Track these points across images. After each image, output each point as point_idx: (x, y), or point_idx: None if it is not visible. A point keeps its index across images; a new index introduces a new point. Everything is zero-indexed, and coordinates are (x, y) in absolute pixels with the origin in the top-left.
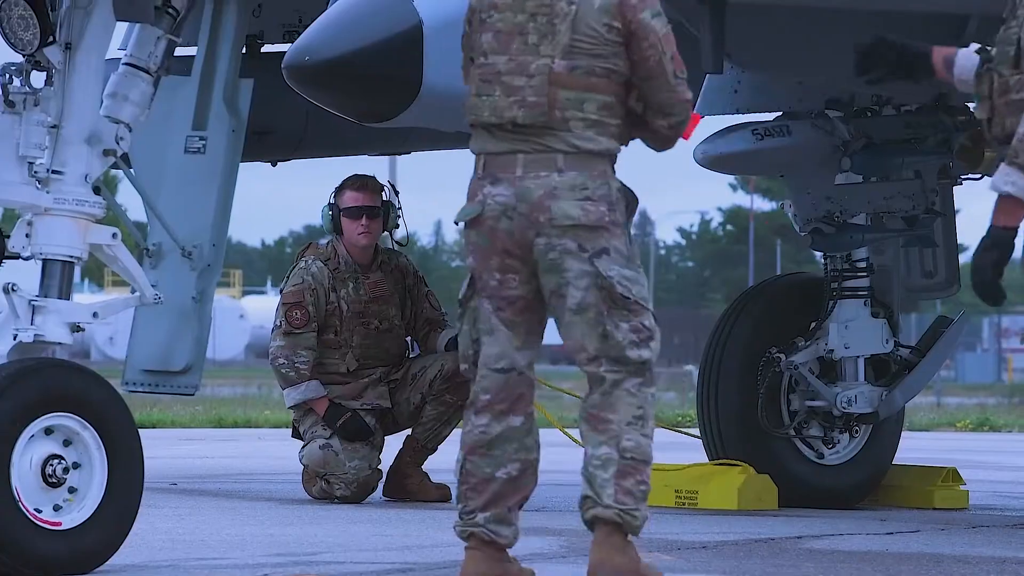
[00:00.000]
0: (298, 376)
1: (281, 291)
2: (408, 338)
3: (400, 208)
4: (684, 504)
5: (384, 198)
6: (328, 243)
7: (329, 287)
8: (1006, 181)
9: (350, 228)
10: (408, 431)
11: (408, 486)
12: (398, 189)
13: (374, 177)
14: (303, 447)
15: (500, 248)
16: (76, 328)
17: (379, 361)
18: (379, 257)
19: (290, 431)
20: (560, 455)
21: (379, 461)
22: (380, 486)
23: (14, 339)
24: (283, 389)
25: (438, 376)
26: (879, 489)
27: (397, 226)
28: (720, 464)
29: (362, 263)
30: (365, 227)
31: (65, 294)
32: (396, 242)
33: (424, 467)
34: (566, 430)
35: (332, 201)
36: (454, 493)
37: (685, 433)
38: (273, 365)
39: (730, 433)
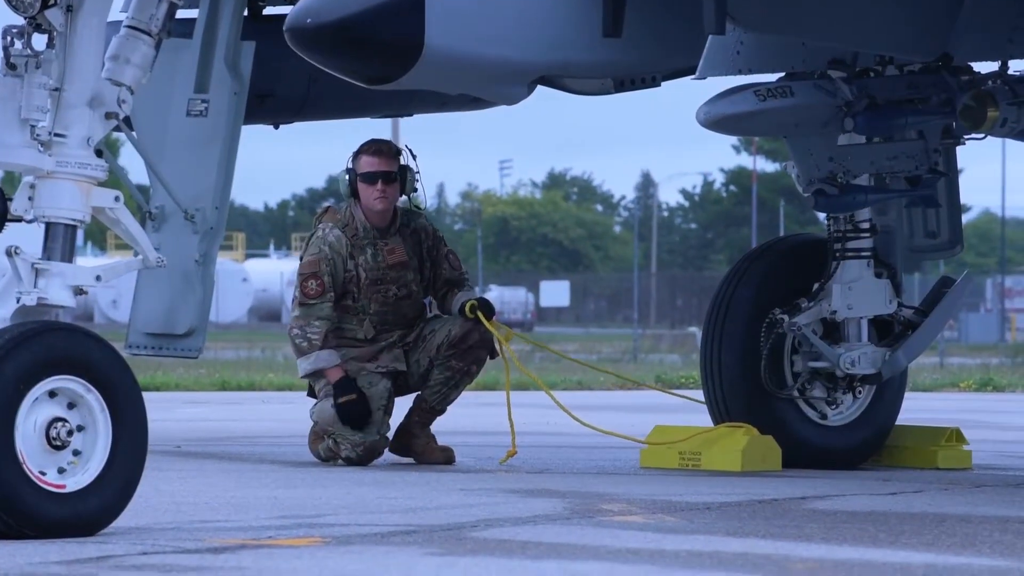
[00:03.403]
0: (310, 346)
1: (300, 259)
2: (427, 299)
3: (418, 172)
4: (688, 465)
5: (401, 162)
6: (346, 208)
7: (347, 255)
8: None
9: (367, 193)
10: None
11: (414, 446)
12: (415, 153)
13: (391, 141)
14: (315, 404)
15: None
16: (79, 291)
17: (396, 326)
18: (397, 221)
19: (293, 393)
20: (555, 417)
21: (388, 427)
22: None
23: (17, 302)
24: (297, 359)
25: (444, 342)
26: (883, 449)
27: (415, 190)
28: (724, 426)
29: (380, 227)
30: (381, 192)
31: (68, 257)
32: (414, 205)
33: (431, 428)
34: (552, 392)
35: (350, 166)
36: (459, 456)
37: (684, 397)
38: (288, 335)
39: (734, 395)
